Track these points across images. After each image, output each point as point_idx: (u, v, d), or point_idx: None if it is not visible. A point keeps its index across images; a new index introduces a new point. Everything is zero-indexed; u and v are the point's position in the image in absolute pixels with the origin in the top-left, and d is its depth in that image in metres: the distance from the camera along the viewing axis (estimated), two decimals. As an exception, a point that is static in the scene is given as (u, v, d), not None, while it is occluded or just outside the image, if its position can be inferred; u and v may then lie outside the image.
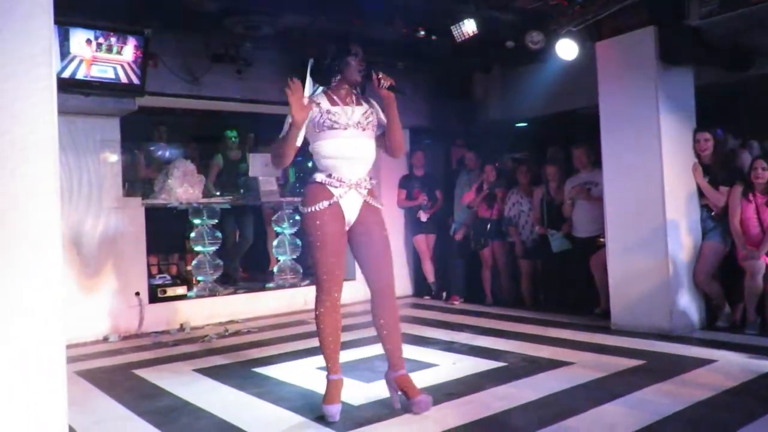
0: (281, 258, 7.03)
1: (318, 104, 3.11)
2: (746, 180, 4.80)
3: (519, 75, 7.28)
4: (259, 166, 6.63)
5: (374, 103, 3.26)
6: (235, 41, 5.97)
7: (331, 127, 3.08)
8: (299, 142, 3.08)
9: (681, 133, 5.01)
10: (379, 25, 5.64)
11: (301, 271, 7.11)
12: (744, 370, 3.73)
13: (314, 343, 4.95)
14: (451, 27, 5.44)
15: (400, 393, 3.18)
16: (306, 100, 3.02)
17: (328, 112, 3.10)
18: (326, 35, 6.14)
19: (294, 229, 7.02)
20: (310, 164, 9.70)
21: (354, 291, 7.21)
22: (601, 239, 5.42)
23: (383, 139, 3.24)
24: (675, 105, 4.95)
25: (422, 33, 5.81)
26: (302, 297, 6.76)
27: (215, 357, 4.62)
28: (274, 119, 7.71)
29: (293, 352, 4.68)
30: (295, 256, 7.05)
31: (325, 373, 3.19)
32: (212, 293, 6.28)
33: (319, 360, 4.35)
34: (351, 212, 3.15)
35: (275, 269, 7.07)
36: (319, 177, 3.13)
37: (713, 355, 4.12)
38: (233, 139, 7.23)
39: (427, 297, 7.22)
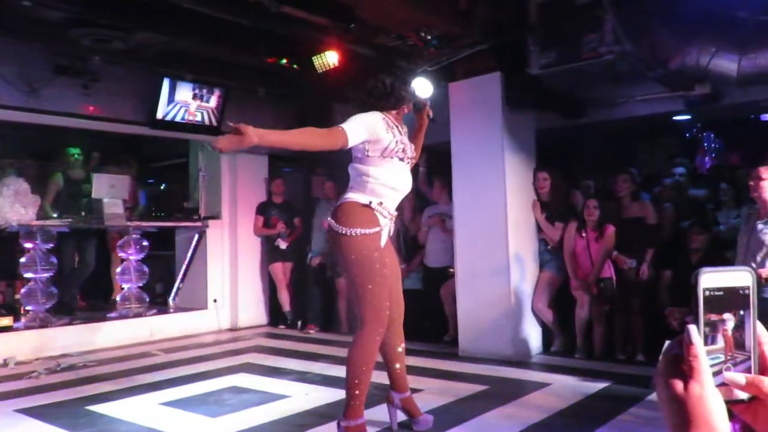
0: (126, 286, 6.60)
1: (393, 128, 3.02)
2: (579, 217, 5.27)
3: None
4: (104, 187, 6.22)
5: None
6: (82, 54, 5.59)
7: (401, 159, 3.03)
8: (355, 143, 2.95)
9: (523, 171, 5.41)
10: (242, 50, 5.57)
11: (148, 299, 6.72)
12: (574, 392, 4.05)
13: (159, 376, 4.73)
14: (313, 57, 5.50)
15: (399, 412, 3.25)
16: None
17: (403, 142, 3.04)
18: (183, 55, 5.95)
19: (141, 255, 6.63)
20: (162, 186, 9.29)
21: (206, 321, 6.97)
22: (451, 269, 5.67)
23: None
24: (518, 145, 5.34)
25: (285, 61, 5.81)
26: (148, 327, 6.38)
27: (43, 395, 4.20)
28: (121, 138, 7.40)
29: (134, 387, 4.38)
30: (141, 284, 6.65)
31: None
32: (43, 324, 5.73)
33: (163, 395, 4.14)
34: (383, 243, 3.07)
35: (119, 298, 6.62)
36: (372, 201, 2.98)
37: (548, 378, 4.44)
38: (76, 156, 6.69)
39: (283, 326, 7.10)
